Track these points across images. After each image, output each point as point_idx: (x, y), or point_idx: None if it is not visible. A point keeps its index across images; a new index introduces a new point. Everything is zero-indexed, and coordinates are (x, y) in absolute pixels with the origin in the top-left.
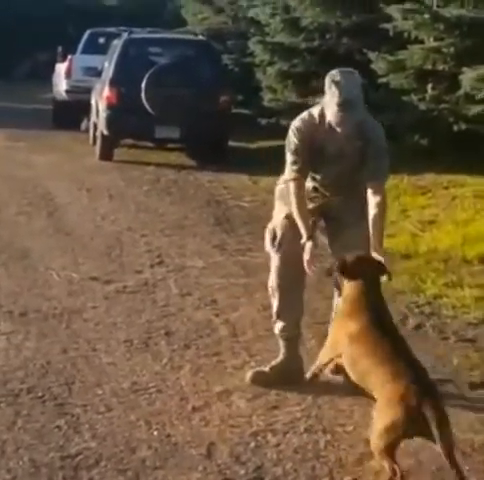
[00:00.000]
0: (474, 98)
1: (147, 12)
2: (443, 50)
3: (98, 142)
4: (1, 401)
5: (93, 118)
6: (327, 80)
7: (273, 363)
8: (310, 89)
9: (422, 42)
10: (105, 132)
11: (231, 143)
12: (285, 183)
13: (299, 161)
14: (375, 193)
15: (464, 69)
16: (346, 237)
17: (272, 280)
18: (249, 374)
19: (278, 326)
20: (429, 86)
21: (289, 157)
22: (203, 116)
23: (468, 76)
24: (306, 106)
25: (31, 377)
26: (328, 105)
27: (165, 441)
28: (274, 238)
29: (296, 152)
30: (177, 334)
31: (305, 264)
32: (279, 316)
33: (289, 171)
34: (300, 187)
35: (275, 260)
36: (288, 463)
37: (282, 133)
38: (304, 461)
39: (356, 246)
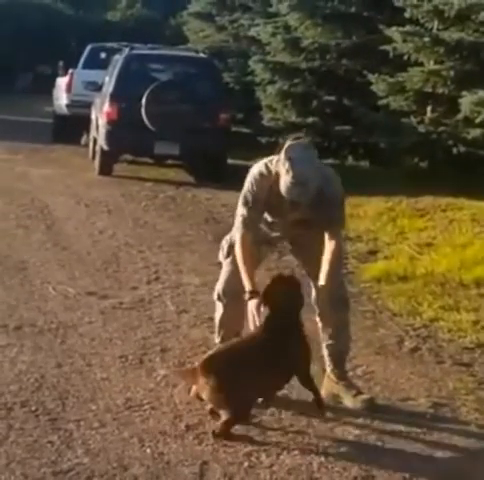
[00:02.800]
0: (473, 122)
1: (149, 28)
2: (443, 73)
3: (97, 157)
4: None
5: (93, 133)
6: (283, 152)
7: None
8: (309, 109)
9: (422, 65)
10: (105, 147)
11: (230, 161)
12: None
13: (252, 219)
14: (330, 239)
15: (464, 93)
16: (312, 249)
17: (220, 287)
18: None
19: (220, 335)
20: (428, 109)
21: (243, 210)
22: (202, 133)
23: (468, 100)
24: (305, 126)
25: (25, 391)
26: (282, 178)
27: (158, 459)
28: (229, 250)
29: (251, 209)
30: (172, 351)
31: (249, 320)
32: (222, 325)
33: (240, 224)
34: (247, 242)
35: (226, 268)
36: None
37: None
38: None
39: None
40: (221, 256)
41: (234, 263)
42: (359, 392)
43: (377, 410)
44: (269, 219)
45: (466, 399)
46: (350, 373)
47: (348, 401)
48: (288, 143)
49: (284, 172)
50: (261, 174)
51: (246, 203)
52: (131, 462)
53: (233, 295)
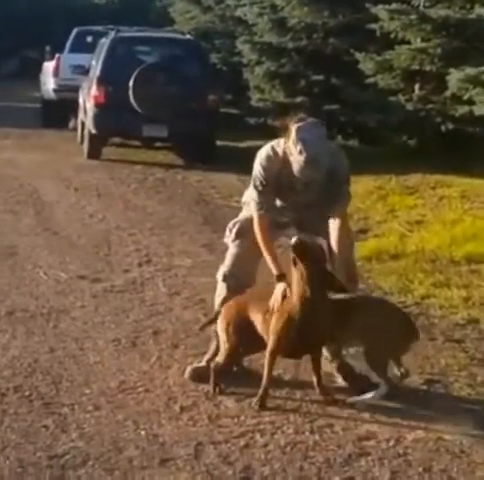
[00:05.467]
0: (461, 99)
1: (135, 11)
2: (430, 51)
3: (86, 141)
4: None
5: (81, 117)
6: (293, 133)
7: (207, 356)
8: (297, 89)
9: (409, 42)
10: (93, 131)
11: (219, 142)
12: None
13: (265, 201)
14: (337, 217)
15: (451, 70)
16: (320, 232)
17: (226, 269)
18: (187, 371)
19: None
20: (416, 86)
21: (255, 194)
22: (191, 115)
23: (455, 77)
24: (293, 106)
25: (18, 376)
26: (294, 158)
27: (152, 441)
28: (237, 233)
29: (262, 192)
30: (165, 333)
31: (273, 302)
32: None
33: (255, 208)
34: (266, 224)
35: (233, 250)
36: (276, 463)
37: (270, 133)
38: (292, 461)
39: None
40: (228, 238)
41: (241, 247)
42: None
43: (370, 388)
44: (278, 204)
45: (459, 375)
46: (343, 352)
47: (341, 380)
48: (297, 124)
49: (296, 153)
50: (268, 157)
51: (256, 187)
52: (126, 444)
53: (237, 279)
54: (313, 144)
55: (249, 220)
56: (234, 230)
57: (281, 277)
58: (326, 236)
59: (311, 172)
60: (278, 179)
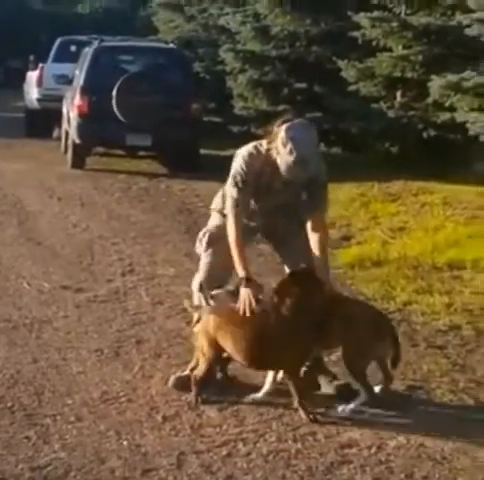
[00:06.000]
0: (442, 105)
1: (119, 20)
2: (411, 58)
3: (70, 150)
4: None
5: (64, 126)
6: (283, 133)
7: (191, 365)
8: (280, 97)
9: (391, 50)
10: (76, 140)
11: (202, 151)
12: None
13: (242, 200)
14: (315, 225)
15: (432, 76)
16: (291, 244)
17: (202, 279)
18: (171, 379)
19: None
20: (398, 93)
21: (234, 191)
22: (174, 124)
23: (436, 83)
24: (276, 114)
25: (0, 387)
26: (282, 158)
27: (135, 451)
28: (208, 242)
29: (241, 189)
30: (148, 343)
31: (240, 306)
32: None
33: (231, 205)
34: (240, 222)
35: (206, 260)
36: (259, 472)
37: (253, 141)
38: (274, 470)
39: (302, 250)
40: (199, 248)
41: (214, 255)
42: (335, 378)
43: (352, 395)
44: (250, 207)
45: (441, 381)
46: (325, 359)
47: (324, 387)
48: (286, 124)
49: (285, 152)
50: (251, 155)
51: (236, 184)
52: (108, 455)
53: (213, 286)
54: (304, 143)
55: (220, 227)
56: (205, 239)
57: (248, 281)
58: (295, 240)
59: (300, 171)
60: (258, 178)
